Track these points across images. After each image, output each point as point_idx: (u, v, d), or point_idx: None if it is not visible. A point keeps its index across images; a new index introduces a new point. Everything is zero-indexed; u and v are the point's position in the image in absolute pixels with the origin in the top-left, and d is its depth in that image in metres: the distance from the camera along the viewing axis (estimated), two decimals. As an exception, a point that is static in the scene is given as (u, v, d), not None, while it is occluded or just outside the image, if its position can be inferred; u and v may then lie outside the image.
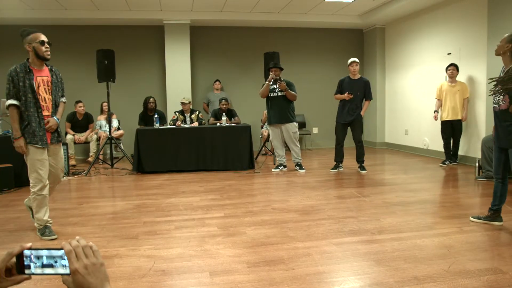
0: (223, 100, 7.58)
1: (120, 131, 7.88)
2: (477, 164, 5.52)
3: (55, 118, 3.41)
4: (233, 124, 6.94)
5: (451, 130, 6.52)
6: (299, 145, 6.40)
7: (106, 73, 6.67)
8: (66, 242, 0.86)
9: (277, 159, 6.49)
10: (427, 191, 4.84)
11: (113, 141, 6.98)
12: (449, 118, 6.46)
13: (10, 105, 3.20)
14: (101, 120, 8.02)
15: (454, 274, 2.43)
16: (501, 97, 3.27)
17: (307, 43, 9.51)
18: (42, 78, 3.31)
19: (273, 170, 6.44)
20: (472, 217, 3.57)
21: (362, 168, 6.20)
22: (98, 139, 7.58)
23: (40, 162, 3.28)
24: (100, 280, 0.85)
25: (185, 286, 2.38)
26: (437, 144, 7.23)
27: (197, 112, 7.43)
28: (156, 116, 6.82)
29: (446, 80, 6.60)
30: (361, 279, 2.41)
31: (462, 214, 3.79)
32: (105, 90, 6.94)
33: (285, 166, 6.49)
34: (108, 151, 7.61)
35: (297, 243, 3.04)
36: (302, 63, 9.41)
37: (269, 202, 4.40)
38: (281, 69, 6.23)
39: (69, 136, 7.42)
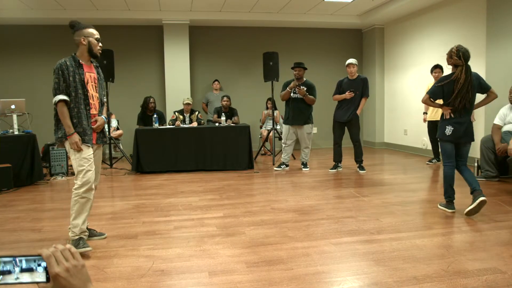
0: (224, 97, 7.60)
1: (119, 131, 7.88)
2: (476, 164, 5.53)
3: (103, 117, 3.28)
4: (232, 124, 6.95)
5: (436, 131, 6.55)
6: (310, 146, 6.53)
7: (105, 73, 6.64)
8: (43, 248, 0.84)
9: (283, 156, 6.56)
10: (426, 191, 4.84)
11: (112, 141, 6.98)
12: (431, 119, 6.58)
13: (59, 100, 2.97)
14: (100, 120, 8.00)
15: (453, 274, 2.43)
16: None
17: (306, 43, 9.52)
18: (90, 74, 3.15)
19: (275, 168, 6.51)
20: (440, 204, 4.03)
21: (361, 168, 6.21)
22: (97, 139, 7.56)
23: (90, 162, 3.05)
24: (83, 281, 0.85)
25: (184, 286, 2.38)
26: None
27: (197, 112, 7.43)
28: (155, 116, 6.82)
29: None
30: (360, 279, 2.41)
31: (461, 214, 3.79)
32: (104, 90, 6.92)
33: (287, 165, 6.55)
34: (107, 151, 7.60)
35: (296, 243, 3.05)
36: (301, 63, 9.40)
37: (268, 202, 4.40)
38: (305, 69, 6.30)
39: (68, 136, 7.41)
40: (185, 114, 7.39)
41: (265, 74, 7.05)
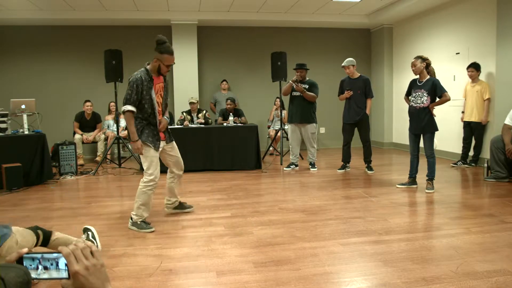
0: (228, 100, 7.61)
1: (128, 131, 7.91)
2: (485, 165, 5.47)
3: (165, 117, 3.67)
4: (240, 124, 6.95)
5: (470, 132, 6.38)
6: (315, 146, 6.57)
7: (114, 73, 6.71)
8: (63, 246, 0.86)
9: (291, 157, 6.62)
10: (435, 191, 4.80)
11: (120, 141, 7.02)
12: (466, 119, 6.37)
13: (128, 111, 3.36)
14: (109, 120, 8.07)
15: (462, 275, 2.41)
16: (425, 97, 4.76)
17: (314, 43, 9.49)
18: (159, 84, 3.60)
19: (285, 168, 6.56)
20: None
21: (370, 168, 6.19)
22: (106, 139, 7.62)
23: (154, 163, 3.47)
24: (101, 281, 0.86)
25: (192, 286, 2.39)
26: (446, 144, 7.18)
27: (204, 111, 7.44)
28: (163, 116, 6.84)
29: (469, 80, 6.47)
30: (368, 279, 2.40)
31: (471, 215, 3.76)
32: (113, 90, 6.98)
33: (296, 165, 6.59)
34: (116, 151, 7.65)
35: (304, 243, 3.04)
36: (309, 63, 9.27)
37: (276, 202, 4.40)
38: (307, 70, 6.37)
39: (77, 136, 7.48)
40: (192, 114, 7.41)
41: (273, 74, 7.05)
